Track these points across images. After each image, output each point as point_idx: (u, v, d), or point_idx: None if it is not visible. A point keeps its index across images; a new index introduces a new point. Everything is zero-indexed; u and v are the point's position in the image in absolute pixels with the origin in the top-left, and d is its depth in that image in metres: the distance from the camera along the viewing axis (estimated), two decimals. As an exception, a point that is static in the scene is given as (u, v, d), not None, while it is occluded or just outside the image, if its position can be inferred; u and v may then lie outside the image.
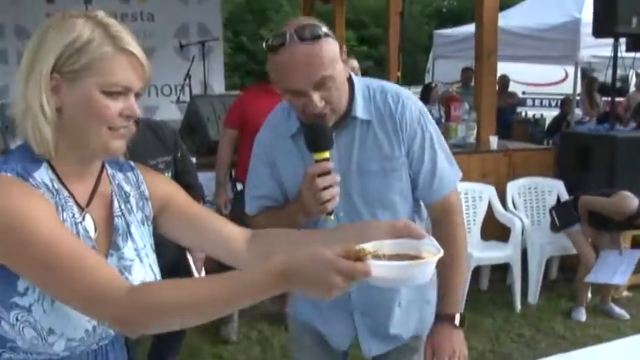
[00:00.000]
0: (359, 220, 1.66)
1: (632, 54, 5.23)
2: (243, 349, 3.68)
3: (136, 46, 1.12)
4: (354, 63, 3.81)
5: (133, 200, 1.24)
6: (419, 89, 9.68)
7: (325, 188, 1.47)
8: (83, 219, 1.15)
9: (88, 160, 1.17)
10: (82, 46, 1.08)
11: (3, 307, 1.07)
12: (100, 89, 1.09)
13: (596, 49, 6.23)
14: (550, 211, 4.44)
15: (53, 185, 1.11)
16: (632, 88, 9.54)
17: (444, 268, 1.63)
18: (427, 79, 12.05)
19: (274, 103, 2.22)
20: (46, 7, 8.79)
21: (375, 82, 1.71)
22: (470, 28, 8.34)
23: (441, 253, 1.07)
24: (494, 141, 5.02)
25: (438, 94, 8.23)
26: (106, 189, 1.21)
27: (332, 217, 1.52)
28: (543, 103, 12.29)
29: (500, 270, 4.62)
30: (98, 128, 1.10)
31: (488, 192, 4.63)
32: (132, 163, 1.30)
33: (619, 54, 5.02)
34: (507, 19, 6.92)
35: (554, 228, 4.33)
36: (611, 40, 5.01)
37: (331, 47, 1.48)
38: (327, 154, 1.49)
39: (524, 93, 11.71)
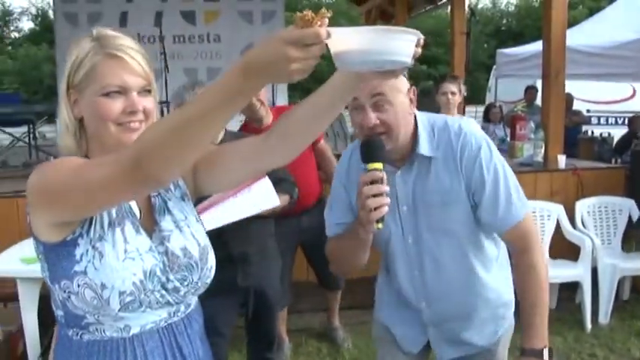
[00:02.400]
0: (426, 247, 1.83)
1: None
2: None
3: (127, 49, 1.27)
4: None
5: None
6: (478, 108, 9.66)
7: (375, 196, 1.54)
8: (129, 204, 1.34)
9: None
10: (80, 60, 1.27)
11: (68, 280, 1.25)
12: (99, 93, 1.26)
13: (667, 66, 6.11)
14: (625, 232, 4.37)
15: None
16: None
17: (528, 306, 1.73)
18: (488, 98, 11.98)
19: None
20: (118, 30, 9.27)
21: (440, 119, 1.82)
22: (534, 47, 8.31)
23: (418, 36, 1.01)
24: (562, 160, 5.00)
25: (502, 113, 8.22)
26: None
27: (381, 225, 1.57)
28: (609, 121, 11.99)
29: (569, 289, 4.57)
30: (106, 127, 1.27)
31: (557, 211, 4.60)
32: None
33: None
34: (574, 37, 6.86)
35: (627, 248, 4.26)
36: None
37: (398, 78, 1.63)
38: (379, 165, 1.58)
39: (588, 111, 11.45)
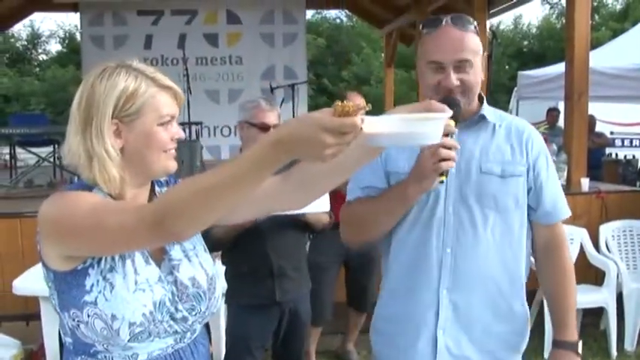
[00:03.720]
0: (468, 217, 1.70)
1: None
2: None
3: (169, 81, 1.34)
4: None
5: None
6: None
7: (446, 147, 1.51)
8: None
9: (146, 182, 1.38)
10: (133, 91, 1.29)
11: (78, 309, 1.26)
12: (156, 122, 1.31)
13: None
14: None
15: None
16: None
17: (562, 299, 1.77)
18: (510, 119, 11.91)
19: None
20: (143, 52, 9.43)
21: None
22: (555, 69, 8.28)
23: (449, 114, 1.07)
24: (585, 183, 4.94)
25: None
26: None
27: (444, 178, 1.54)
28: (634, 143, 11.85)
29: (593, 315, 4.49)
30: (158, 154, 1.31)
31: (580, 234, 4.53)
32: (177, 180, 1.49)
33: None
34: (597, 59, 6.83)
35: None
36: None
37: (476, 40, 1.69)
38: (453, 123, 1.53)
39: (612, 133, 11.34)
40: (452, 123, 1.51)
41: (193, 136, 7.08)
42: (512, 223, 1.74)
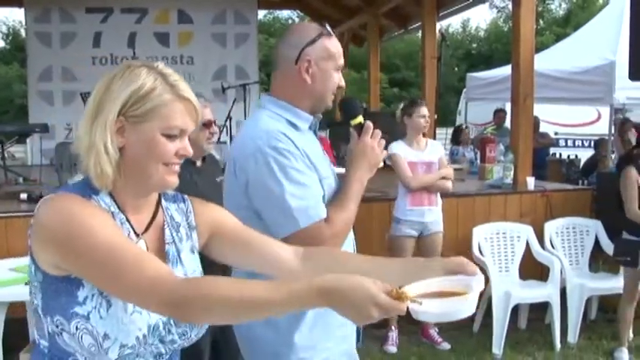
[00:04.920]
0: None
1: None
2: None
3: (191, 93, 1.28)
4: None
5: (182, 230, 1.38)
6: (448, 130, 9.82)
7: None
8: (136, 244, 1.27)
9: (145, 193, 1.31)
10: (145, 93, 1.23)
11: (64, 318, 1.19)
12: (160, 132, 1.24)
13: (630, 90, 6.30)
14: (592, 252, 4.48)
15: (111, 209, 1.26)
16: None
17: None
18: (458, 121, 12.18)
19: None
20: (92, 51, 9.24)
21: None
22: (502, 71, 8.51)
23: (475, 291, 1.15)
24: (531, 182, 5.11)
25: (471, 136, 8.37)
26: (160, 219, 1.35)
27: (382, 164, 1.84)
28: (576, 143, 12.27)
29: (539, 309, 4.65)
30: (156, 165, 1.25)
31: (526, 232, 4.69)
32: (185, 196, 1.44)
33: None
34: (541, 62, 7.05)
35: (594, 268, 4.36)
36: (645, 83, 5.08)
37: None
38: (361, 118, 1.82)
39: (556, 134, 11.71)
40: (361, 118, 1.80)
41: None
42: None
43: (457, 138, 8.06)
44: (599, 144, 8.75)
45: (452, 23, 29.71)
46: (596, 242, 4.79)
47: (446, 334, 4.41)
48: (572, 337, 4.40)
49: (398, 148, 4.23)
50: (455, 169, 5.47)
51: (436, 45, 7.17)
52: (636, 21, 4.88)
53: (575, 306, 4.42)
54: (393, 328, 4.33)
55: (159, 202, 1.36)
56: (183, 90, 1.26)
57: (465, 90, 11.25)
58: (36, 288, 1.24)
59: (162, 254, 1.31)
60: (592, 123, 12.08)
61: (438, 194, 4.29)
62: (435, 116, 6.10)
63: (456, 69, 25.21)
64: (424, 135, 4.35)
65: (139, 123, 1.23)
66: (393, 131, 5.54)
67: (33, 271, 1.24)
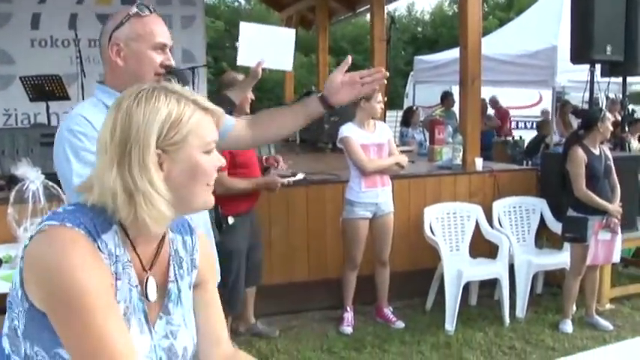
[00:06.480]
0: None
1: (606, 79, 5.50)
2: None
3: (209, 102, 1.20)
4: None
5: (185, 265, 1.30)
6: (397, 113, 9.93)
7: None
8: (146, 282, 1.19)
9: (182, 214, 1.23)
10: (177, 118, 1.13)
11: (46, 353, 1.10)
12: (201, 150, 1.16)
13: (571, 73, 6.51)
14: (538, 230, 4.63)
15: (116, 251, 1.14)
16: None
17: None
18: (406, 103, 12.33)
19: None
20: (30, 33, 8.87)
21: None
22: (449, 54, 8.65)
23: None
24: (479, 162, 5.23)
25: (421, 118, 8.49)
26: (165, 252, 1.26)
27: None
28: (519, 125, 12.63)
29: (488, 286, 4.79)
30: (203, 186, 1.18)
31: (476, 211, 4.81)
32: (192, 226, 1.35)
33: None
34: (486, 46, 7.19)
35: (539, 244, 4.51)
36: (585, 66, 5.26)
37: None
38: None
39: (500, 116, 12.03)
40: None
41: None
42: None
43: (407, 120, 8.16)
44: (541, 125, 9.04)
45: (398, 7, 29.96)
46: (542, 220, 4.97)
47: (400, 313, 4.50)
48: (521, 311, 4.55)
49: (349, 130, 4.25)
50: (404, 151, 5.56)
51: (385, 28, 7.22)
52: (577, 7, 5.06)
53: (522, 282, 4.58)
54: (348, 309, 4.38)
55: (166, 232, 1.26)
56: (203, 102, 1.19)
57: (412, 73, 11.39)
58: (20, 313, 1.13)
59: (163, 292, 1.24)
60: (534, 105, 12.45)
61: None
62: (385, 99, 6.15)
63: (403, 52, 25.45)
64: (373, 117, 4.38)
65: (178, 150, 1.14)
66: (343, 114, 5.58)
67: (19, 296, 1.12)
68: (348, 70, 1.98)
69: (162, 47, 1.79)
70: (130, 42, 1.76)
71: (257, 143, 2.25)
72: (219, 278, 2.05)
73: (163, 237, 1.24)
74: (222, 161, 1.22)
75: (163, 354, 1.20)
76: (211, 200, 1.21)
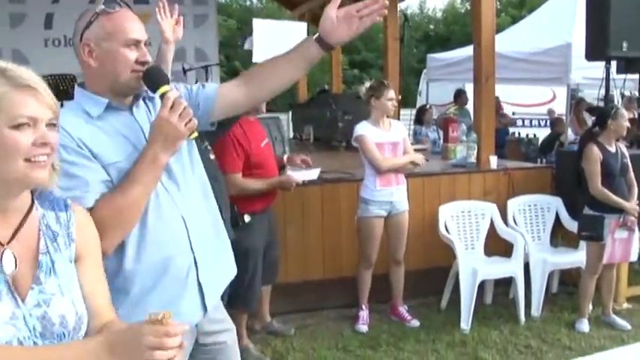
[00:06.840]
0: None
1: (621, 76, 5.44)
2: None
3: (34, 80, 1.22)
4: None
5: (60, 240, 1.32)
6: (410, 111, 9.91)
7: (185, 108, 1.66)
8: (1, 255, 1.21)
9: (11, 194, 1.24)
10: None
11: None
12: (7, 125, 1.17)
13: (586, 70, 6.46)
14: (553, 228, 4.60)
15: None
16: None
17: None
18: (419, 102, 12.28)
19: (261, 131, 2.45)
20: (43, 32, 8.94)
21: None
22: (463, 52, 8.60)
23: None
24: (494, 161, 5.20)
25: (434, 117, 8.46)
26: (33, 227, 1.28)
27: (196, 134, 1.71)
28: (533, 123, 12.55)
29: (503, 284, 4.77)
30: (14, 162, 1.18)
31: (490, 210, 4.80)
32: (68, 202, 1.37)
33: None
34: (499, 43, 7.15)
35: (554, 243, 4.49)
36: (600, 63, 5.21)
37: None
38: (168, 87, 1.69)
39: (514, 114, 11.96)
40: (168, 88, 1.68)
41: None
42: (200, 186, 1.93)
43: (421, 118, 8.13)
44: (555, 123, 8.97)
45: (410, 5, 29.89)
46: (557, 218, 4.94)
47: (415, 311, 4.50)
48: (536, 310, 4.53)
49: (364, 129, 4.25)
50: (418, 150, 5.55)
51: (398, 26, 7.20)
52: (592, 2, 5.01)
53: (538, 280, 4.56)
54: (363, 307, 4.39)
55: (31, 208, 1.29)
56: (22, 79, 1.20)
57: (425, 71, 11.33)
58: None
59: (34, 263, 1.26)
60: (548, 103, 12.35)
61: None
62: (399, 97, 6.15)
63: (415, 50, 25.37)
64: (387, 115, 4.37)
65: None
66: (357, 112, 5.58)
67: None
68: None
69: (135, 43, 1.71)
70: (101, 42, 1.69)
71: (256, 101, 2.05)
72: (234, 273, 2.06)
73: (29, 213, 1.28)
74: (47, 139, 1.21)
75: (37, 322, 1.22)
76: (36, 177, 1.21)
